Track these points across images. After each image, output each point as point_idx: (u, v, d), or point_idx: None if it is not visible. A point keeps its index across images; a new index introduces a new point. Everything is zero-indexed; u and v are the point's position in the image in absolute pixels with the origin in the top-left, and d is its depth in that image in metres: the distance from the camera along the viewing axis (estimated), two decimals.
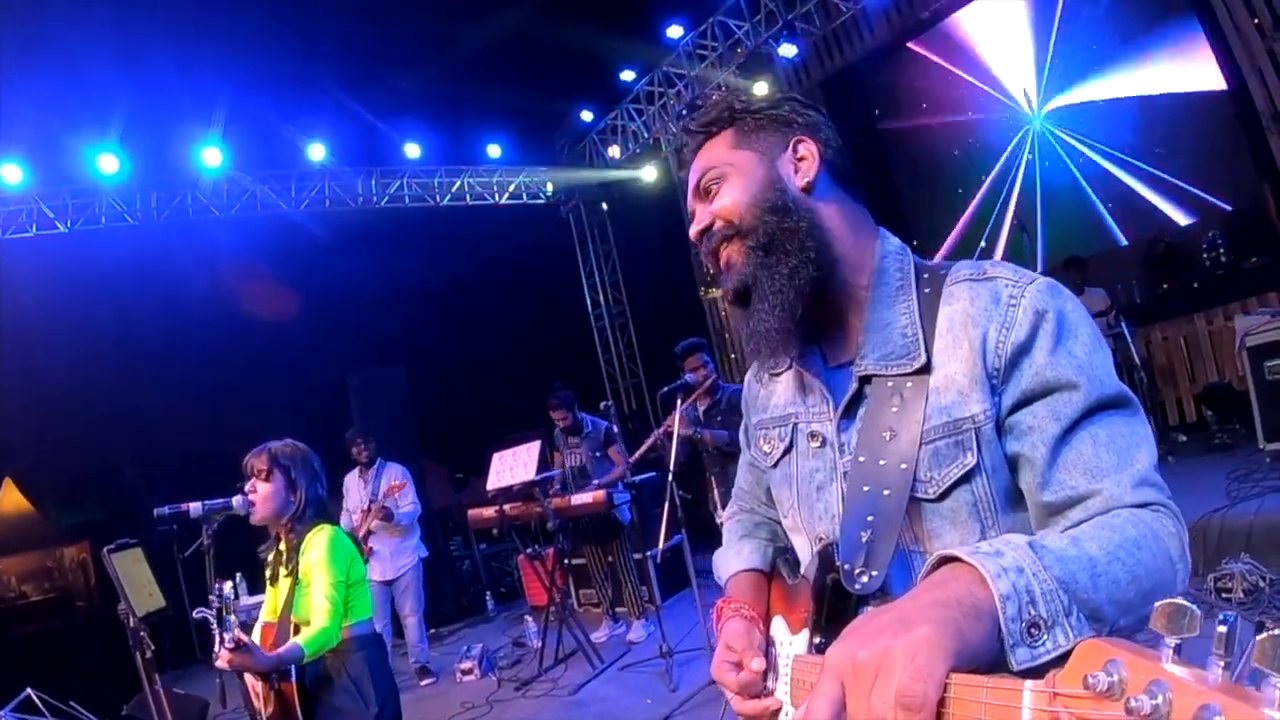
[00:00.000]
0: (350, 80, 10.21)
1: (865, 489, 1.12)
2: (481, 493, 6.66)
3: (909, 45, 9.70)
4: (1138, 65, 7.79)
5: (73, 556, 12.69)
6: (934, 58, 9.54)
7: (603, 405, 6.52)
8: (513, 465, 6.25)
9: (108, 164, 9.29)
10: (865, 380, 1.18)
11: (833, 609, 1.11)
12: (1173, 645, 0.53)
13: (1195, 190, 7.56)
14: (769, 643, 1.27)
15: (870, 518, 1.09)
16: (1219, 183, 7.41)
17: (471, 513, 6.78)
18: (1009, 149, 9.02)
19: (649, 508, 6.48)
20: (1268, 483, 4.89)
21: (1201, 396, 7.23)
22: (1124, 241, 8.12)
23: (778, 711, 1.19)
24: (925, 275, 1.20)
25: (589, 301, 13.46)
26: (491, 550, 9.74)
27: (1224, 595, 4.18)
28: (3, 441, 11.46)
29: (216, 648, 2.51)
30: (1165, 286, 7.65)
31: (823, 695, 0.75)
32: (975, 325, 1.10)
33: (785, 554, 1.43)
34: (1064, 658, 0.64)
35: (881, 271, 1.21)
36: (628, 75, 11.02)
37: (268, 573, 3.03)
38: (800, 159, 1.24)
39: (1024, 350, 1.07)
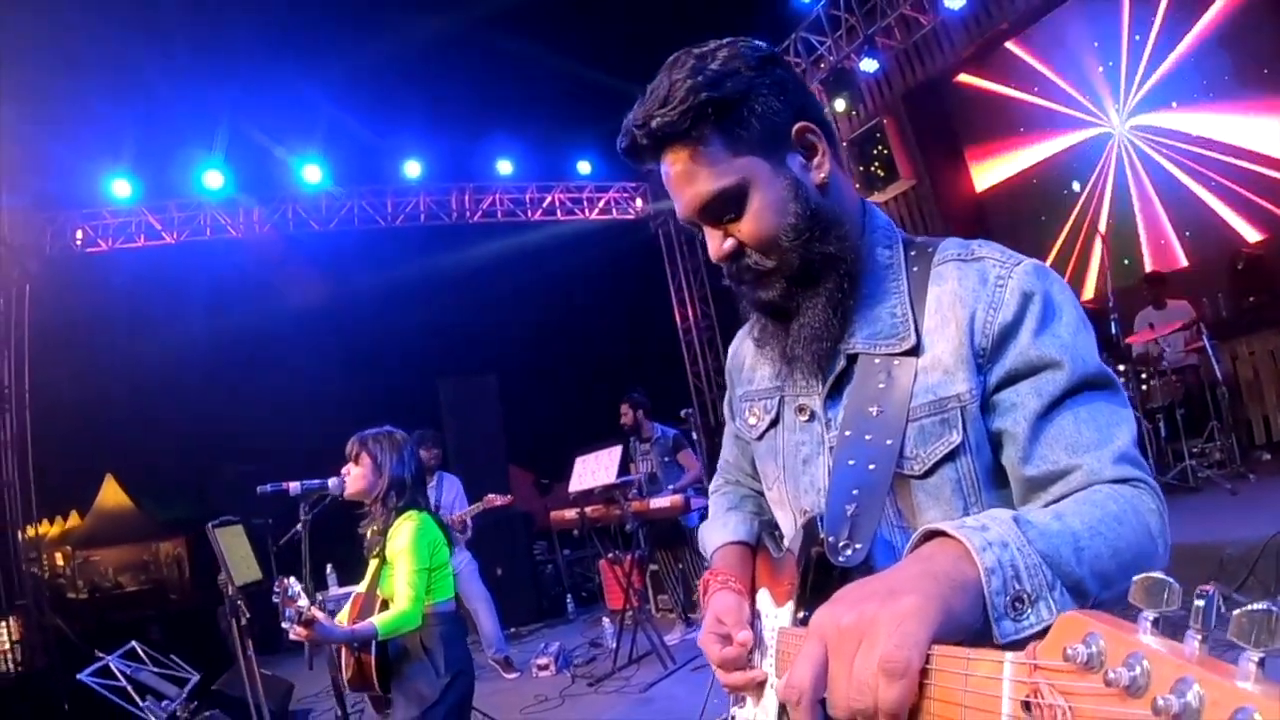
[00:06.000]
0: (444, 99, 10.57)
1: (851, 463, 1.11)
2: (565, 499, 6.82)
3: (990, 55, 9.69)
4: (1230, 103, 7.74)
5: (168, 551, 13.28)
6: (1021, 59, 9.51)
7: (683, 413, 6.66)
8: (594, 469, 6.40)
9: (213, 180, 9.81)
10: (853, 358, 1.18)
11: (817, 582, 1.09)
12: (1151, 619, 0.53)
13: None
14: (754, 615, 1.27)
15: (855, 491, 1.08)
16: None
17: (554, 514, 6.97)
18: (1092, 159, 8.97)
19: None
20: None
21: None
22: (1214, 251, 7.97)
23: (763, 683, 1.19)
24: (913, 253, 1.20)
25: (677, 315, 13.63)
26: (575, 555, 9.89)
27: None
28: (106, 440, 12.09)
29: (285, 625, 2.79)
30: (1251, 299, 7.42)
31: (806, 657, 0.76)
32: (963, 305, 1.10)
33: (771, 527, 1.42)
34: (1044, 631, 0.64)
35: (871, 248, 1.20)
36: None
37: (366, 545, 3.27)
38: (809, 150, 1.16)
39: (1011, 331, 1.08)
